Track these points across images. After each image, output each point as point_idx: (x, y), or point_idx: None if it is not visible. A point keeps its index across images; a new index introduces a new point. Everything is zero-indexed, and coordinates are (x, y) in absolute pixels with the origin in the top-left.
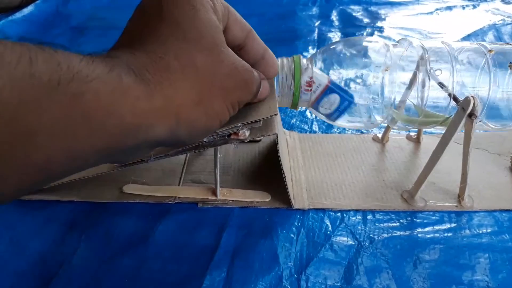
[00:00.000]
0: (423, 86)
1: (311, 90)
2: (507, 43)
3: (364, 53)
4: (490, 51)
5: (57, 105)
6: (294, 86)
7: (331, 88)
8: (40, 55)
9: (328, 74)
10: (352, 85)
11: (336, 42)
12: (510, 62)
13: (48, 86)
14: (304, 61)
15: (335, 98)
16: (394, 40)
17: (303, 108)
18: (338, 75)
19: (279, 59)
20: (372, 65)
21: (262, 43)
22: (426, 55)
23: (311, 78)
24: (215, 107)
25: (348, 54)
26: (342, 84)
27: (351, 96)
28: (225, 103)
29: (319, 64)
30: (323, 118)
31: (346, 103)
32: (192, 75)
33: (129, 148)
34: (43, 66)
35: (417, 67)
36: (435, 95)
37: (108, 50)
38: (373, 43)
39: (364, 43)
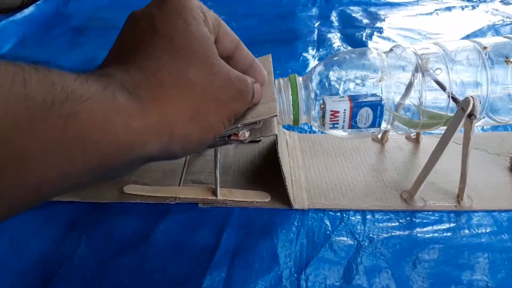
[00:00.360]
0: (422, 88)
1: (338, 119)
2: (504, 36)
3: (358, 65)
4: (485, 48)
5: (51, 127)
6: (292, 102)
7: (355, 104)
8: (34, 76)
9: (330, 90)
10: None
11: (330, 58)
12: (506, 57)
13: (42, 107)
14: (300, 79)
15: (366, 110)
16: (394, 41)
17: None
18: (337, 89)
19: (276, 80)
20: (367, 77)
21: (249, 53)
22: (420, 61)
23: (323, 106)
24: (210, 120)
25: (343, 68)
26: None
27: (376, 95)
28: (220, 116)
29: (316, 81)
30: (367, 133)
31: (379, 107)
32: (186, 90)
33: (122, 165)
34: (37, 86)
35: (415, 70)
36: (434, 96)
37: (101, 65)
38: (366, 56)
39: (357, 57)
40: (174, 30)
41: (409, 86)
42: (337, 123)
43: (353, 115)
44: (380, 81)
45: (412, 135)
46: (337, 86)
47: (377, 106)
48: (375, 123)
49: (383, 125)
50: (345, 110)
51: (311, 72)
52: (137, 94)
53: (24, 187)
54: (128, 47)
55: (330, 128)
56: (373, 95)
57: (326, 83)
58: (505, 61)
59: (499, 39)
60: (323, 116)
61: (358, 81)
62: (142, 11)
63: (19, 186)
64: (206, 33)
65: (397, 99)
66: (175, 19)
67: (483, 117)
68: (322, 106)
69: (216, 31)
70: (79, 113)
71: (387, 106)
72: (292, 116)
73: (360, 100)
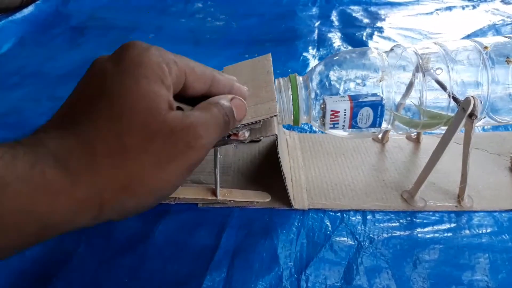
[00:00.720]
0: (423, 87)
1: (339, 118)
2: (505, 36)
3: (358, 65)
4: (485, 47)
5: None
6: (293, 102)
7: (356, 104)
8: None
9: (330, 89)
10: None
11: (331, 57)
12: (507, 57)
13: None
14: (300, 78)
15: (367, 110)
16: (394, 41)
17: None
18: (337, 89)
19: (276, 80)
20: (368, 77)
21: (228, 80)
22: (420, 61)
23: (323, 106)
24: (150, 186)
25: (343, 68)
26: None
27: (376, 95)
28: (163, 179)
29: (316, 81)
30: (367, 133)
31: (380, 107)
32: (120, 159)
33: (51, 237)
34: None
35: (416, 70)
36: (434, 96)
37: (43, 125)
38: (366, 56)
39: (357, 57)
40: (122, 91)
41: (410, 86)
42: (338, 123)
43: (354, 115)
44: (380, 80)
45: (412, 135)
46: (337, 86)
47: (377, 106)
48: (376, 123)
49: (384, 125)
50: (345, 110)
51: (311, 71)
52: (68, 165)
53: None
54: (75, 105)
55: (331, 128)
56: (374, 95)
57: (327, 83)
58: (506, 61)
59: (499, 39)
60: (324, 116)
61: (359, 81)
62: (102, 64)
63: None
64: (156, 92)
65: (397, 99)
66: (126, 78)
67: (484, 117)
68: (322, 106)
69: (182, 80)
70: (0, 196)
71: (388, 106)
72: (292, 116)
73: (360, 100)
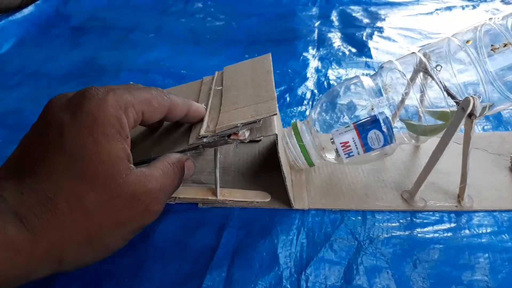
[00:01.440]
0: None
1: (351, 147)
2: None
3: (353, 95)
4: (467, 42)
5: None
6: (301, 149)
7: (361, 131)
8: None
9: (332, 126)
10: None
11: (326, 96)
12: (492, 45)
13: None
14: (302, 125)
15: (374, 132)
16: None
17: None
18: (341, 122)
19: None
20: (365, 104)
21: (185, 105)
22: (424, 59)
23: (332, 140)
24: (106, 242)
25: (340, 102)
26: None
27: (381, 114)
28: (119, 236)
29: (317, 123)
30: (389, 149)
31: (385, 125)
32: (81, 218)
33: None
34: None
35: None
36: (434, 100)
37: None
38: (357, 85)
39: (349, 89)
40: (82, 149)
41: (404, 100)
42: (351, 152)
43: (363, 140)
44: (372, 108)
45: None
46: (341, 119)
47: (381, 126)
48: (387, 140)
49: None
50: (353, 138)
51: (310, 115)
52: (29, 221)
53: None
54: (31, 157)
55: (347, 157)
56: (375, 116)
57: (328, 121)
58: (491, 49)
59: (488, 24)
60: (337, 150)
61: (359, 109)
62: (58, 114)
63: None
64: (115, 152)
65: (400, 110)
66: (84, 135)
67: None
68: (332, 141)
69: (140, 119)
70: None
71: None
72: (305, 160)
73: (364, 126)
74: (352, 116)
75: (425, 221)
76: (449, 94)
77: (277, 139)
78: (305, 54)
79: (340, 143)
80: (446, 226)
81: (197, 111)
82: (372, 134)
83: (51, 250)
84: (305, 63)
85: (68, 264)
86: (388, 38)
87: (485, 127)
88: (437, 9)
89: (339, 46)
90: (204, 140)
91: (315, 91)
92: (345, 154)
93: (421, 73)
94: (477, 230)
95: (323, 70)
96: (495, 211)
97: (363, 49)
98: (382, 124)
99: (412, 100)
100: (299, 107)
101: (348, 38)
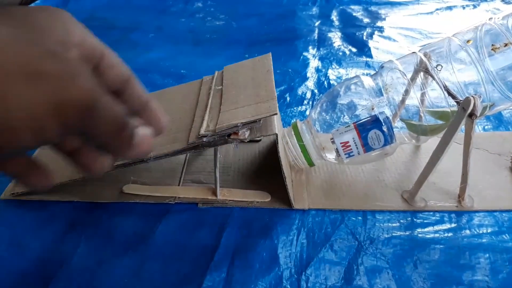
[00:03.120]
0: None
1: (351, 147)
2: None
3: (354, 94)
4: (468, 41)
5: None
6: (301, 149)
7: (361, 130)
8: None
9: (333, 126)
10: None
11: (326, 95)
12: (492, 44)
13: None
14: (302, 125)
15: (374, 132)
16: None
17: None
18: (341, 123)
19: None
20: (366, 103)
21: (143, 94)
22: (425, 59)
23: (332, 140)
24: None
25: (340, 102)
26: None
27: (381, 114)
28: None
29: (317, 122)
30: (389, 148)
31: (386, 125)
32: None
33: None
34: None
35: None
36: (435, 100)
37: None
38: (358, 84)
39: (349, 88)
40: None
41: (405, 100)
42: (352, 152)
43: (364, 140)
44: (373, 108)
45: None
46: (341, 119)
47: (382, 126)
48: (388, 140)
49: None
50: (353, 138)
51: (310, 114)
52: None
53: None
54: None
55: (347, 157)
56: (376, 116)
57: (328, 121)
58: (492, 49)
59: (488, 24)
60: (337, 150)
61: (359, 109)
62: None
63: None
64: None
65: (400, 110)
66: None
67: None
68: (332, 141)
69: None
70: None
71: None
72: (305, 160)
73: (365, 126)
74: (353, 116)
75: (425, 221)
76: (450, 93)
77: (277, 138)
78: (305, 54)
79: (341, 143)
80: (446, 226)
81: (157, 112)
82: (373, 134)
83: None
84: (305, 63)
85: None
86: (389, 38)
87: (486, 127)
88: (437, 9)
89: (339, 45)
90: (204, 139)
91: (315, 91)
92: (345, 154)
93: (422, 73)
94: (477, 230)
95: (323, 70)
96: (495, 211)
97: (363, 49)
98: (383, 124)
99: (413, 99)
100: (299, 107)
101: (348, 38)
